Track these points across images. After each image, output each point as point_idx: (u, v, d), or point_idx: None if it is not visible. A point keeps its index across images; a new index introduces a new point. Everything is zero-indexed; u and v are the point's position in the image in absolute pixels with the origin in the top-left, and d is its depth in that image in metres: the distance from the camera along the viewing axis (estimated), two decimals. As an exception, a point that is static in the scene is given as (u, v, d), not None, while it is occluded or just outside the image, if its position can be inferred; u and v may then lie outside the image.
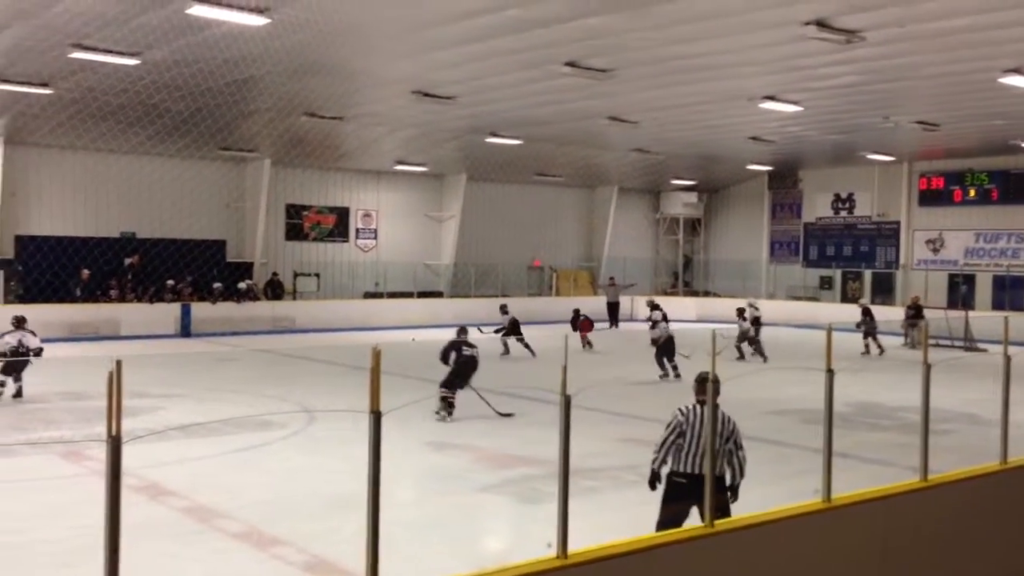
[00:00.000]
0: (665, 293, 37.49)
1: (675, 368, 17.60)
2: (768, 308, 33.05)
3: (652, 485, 6.58)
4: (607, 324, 29.95)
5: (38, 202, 25.13)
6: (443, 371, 13.16)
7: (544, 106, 22.67)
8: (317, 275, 29.93)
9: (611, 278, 32.89)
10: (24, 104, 21.41)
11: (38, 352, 14.80)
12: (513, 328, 21.61)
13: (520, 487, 9.45)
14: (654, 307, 19.36)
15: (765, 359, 20.94)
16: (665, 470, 6.49)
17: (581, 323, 23.68)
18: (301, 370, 18.96)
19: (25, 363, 14.44)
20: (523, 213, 34.29)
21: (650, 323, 18.82)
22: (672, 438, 6.43)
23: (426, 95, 21.18)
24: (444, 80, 20.07)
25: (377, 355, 4.35)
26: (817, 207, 35.50)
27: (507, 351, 21.46)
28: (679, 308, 33.63)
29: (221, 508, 8.37)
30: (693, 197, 37.61)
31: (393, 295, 30.34)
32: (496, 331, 21.64)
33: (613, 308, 31.00)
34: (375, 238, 31.72)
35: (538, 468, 10.04)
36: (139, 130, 23.70)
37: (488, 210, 33.26)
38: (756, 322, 21.80)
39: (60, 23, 15.40)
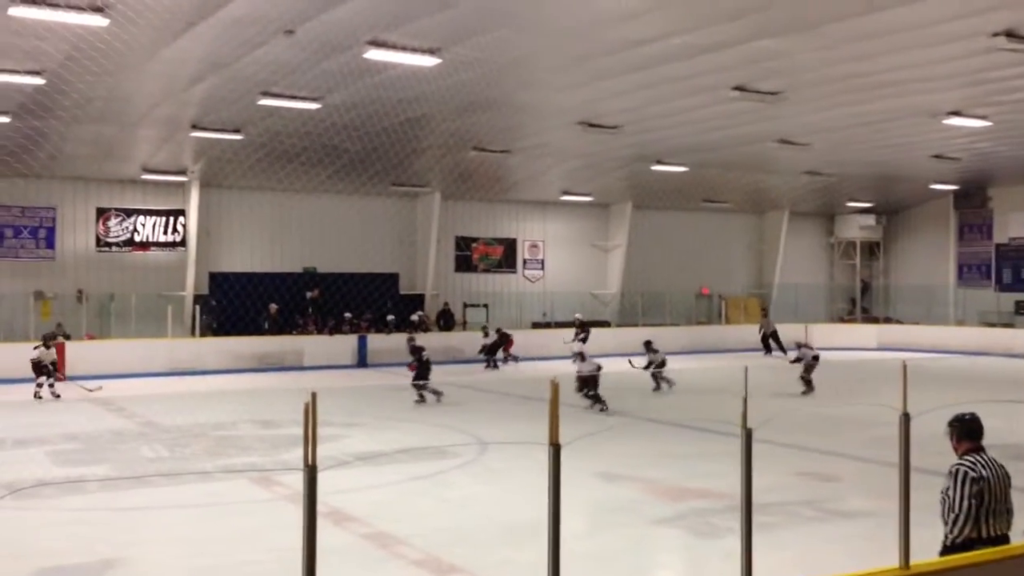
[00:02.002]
0: (842, 320, 36.01)
1: (598, 400, 16.16)
2: (958, 335, 31.21)
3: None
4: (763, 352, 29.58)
5: (229, 240, 26.88)
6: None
7: (711, 132, 22.37)
8: (486, 306, 30.48)
9: (764, 309, 31.84)
10: (218, 149, 23.03)
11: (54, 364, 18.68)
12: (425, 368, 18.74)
13: (694, 520, 9.23)
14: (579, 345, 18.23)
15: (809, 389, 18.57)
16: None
17: (507, 342, 26.15)
18: (472, 399, 19.30)
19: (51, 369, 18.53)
20: (690, 240, 33.82)
21: (579, 356, 17.45)
22: (973, 501, 5.19)
23: (592, 125, 21.32)
24: (610, 110, 20.15)
25: (555, 388, 4.38)
26: (1010, 227, 33.23)
27: (422, 399, 18.10)
28: (857, 336, 32.27)
29: (401, 535, 8.60)
30: (871, 219, 36.01)
31: (560, 325, 30.47)
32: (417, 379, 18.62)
33: (774, 336, 29.94)
34: (542, 268, 32.05)
35: (712, 501, 9.80)
36: (319, 170, 25.01)
37: (654, 238, 33.00)
38: (811, 359, 19.03)
39: (250, 73, 16.51)
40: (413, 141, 23.04)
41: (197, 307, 25.36)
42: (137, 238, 25.63)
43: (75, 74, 16.04)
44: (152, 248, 25.81)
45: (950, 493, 5.23)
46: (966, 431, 5.40)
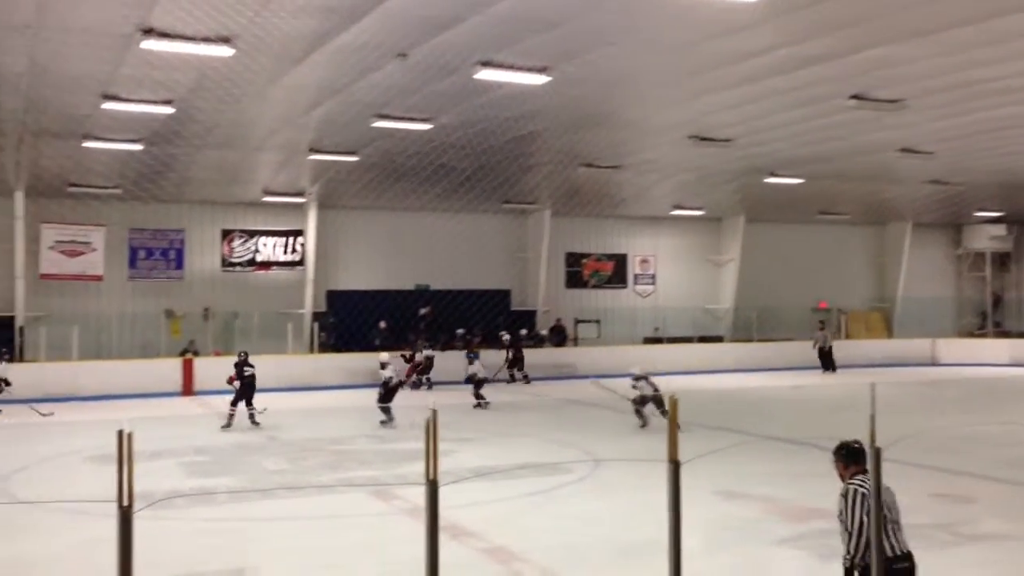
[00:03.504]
0: (971, 335, 34.45)
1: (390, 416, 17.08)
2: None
3: None
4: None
5: (345, 259, 27.64)
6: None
7: (827, 142, 21.80)
8: (597, 321, 30.39)
9: (821, 322, 30.45)
10: (334, 171, 23.74)
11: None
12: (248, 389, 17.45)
13: (817, 542, 8.95)
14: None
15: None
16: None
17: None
18: (584, 415, 19.25)
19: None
20: (806, 253, 32.96)
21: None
22: (867, 518, 5.17)
23: (702, 139, 21.08)
24: (720, 123, 19.88)
25: (674, 404, 4.35)
26: None
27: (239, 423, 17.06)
28: (989, 351, 30.84)
29: (518, 550, 8.63)
30: (1001, 229, 34.39)
31: (673, 340, 30.12)
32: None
33: (829, 352, 28.97)
34: (653, 283, 31.77)
35: (836, 522, 9.47)
36: (432, 188, 25.47)
37: (769, 251, 32.29)
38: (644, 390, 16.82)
39: (365, 97, 16.98)
40: (523, 158, 23.23)
41: (315, 324, 26.10)
42: (259, 258, 26.61)
43: (203, 102, 16.82)
44: (273, 267, 26.75)
45: (844, 515, 5.38)
46: (853, 457, 5.61)
